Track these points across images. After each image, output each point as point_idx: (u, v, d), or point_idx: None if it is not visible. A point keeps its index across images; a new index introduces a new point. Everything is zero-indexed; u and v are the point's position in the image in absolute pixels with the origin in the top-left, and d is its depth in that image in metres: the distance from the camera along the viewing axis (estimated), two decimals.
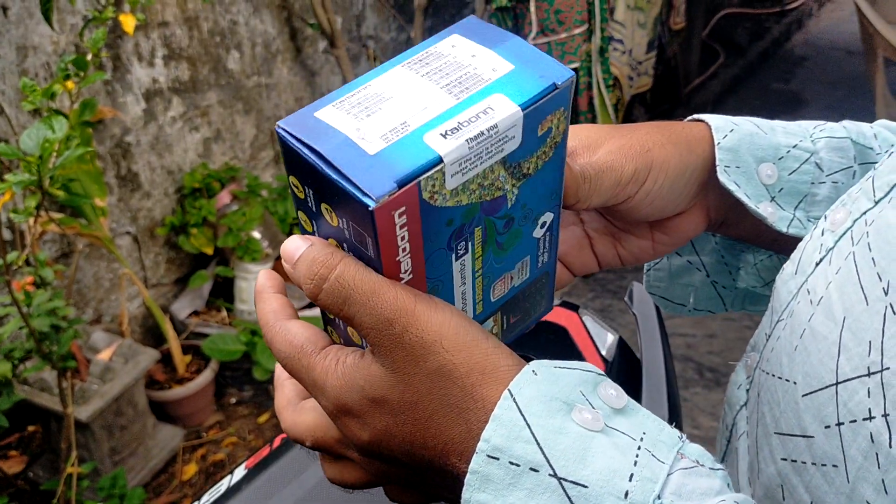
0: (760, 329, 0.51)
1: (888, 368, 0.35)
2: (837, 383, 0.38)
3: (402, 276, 0.39)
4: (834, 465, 0.38)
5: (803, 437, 0.40)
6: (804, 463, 0.40)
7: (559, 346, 0.84)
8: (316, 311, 1.99)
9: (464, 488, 0.36)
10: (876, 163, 0.54)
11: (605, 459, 0.35)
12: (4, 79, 1.87)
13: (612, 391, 0.38)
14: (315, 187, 0.38)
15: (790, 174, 0.54)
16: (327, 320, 0.45)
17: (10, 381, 1.57)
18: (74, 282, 2.11)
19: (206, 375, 2.25)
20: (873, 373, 0.36)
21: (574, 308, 0.89)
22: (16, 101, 1.89)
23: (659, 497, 0.34)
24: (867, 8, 3.10)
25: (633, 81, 3.14)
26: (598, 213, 0.56)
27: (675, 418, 0.76)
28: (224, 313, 2.50)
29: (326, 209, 0.38)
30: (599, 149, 0.50)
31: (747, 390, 0.51)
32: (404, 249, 0.38)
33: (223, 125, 2.52)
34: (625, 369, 0.84)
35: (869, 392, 0.36)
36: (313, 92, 2.83)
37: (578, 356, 0.82)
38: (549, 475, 0.35)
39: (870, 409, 0.36)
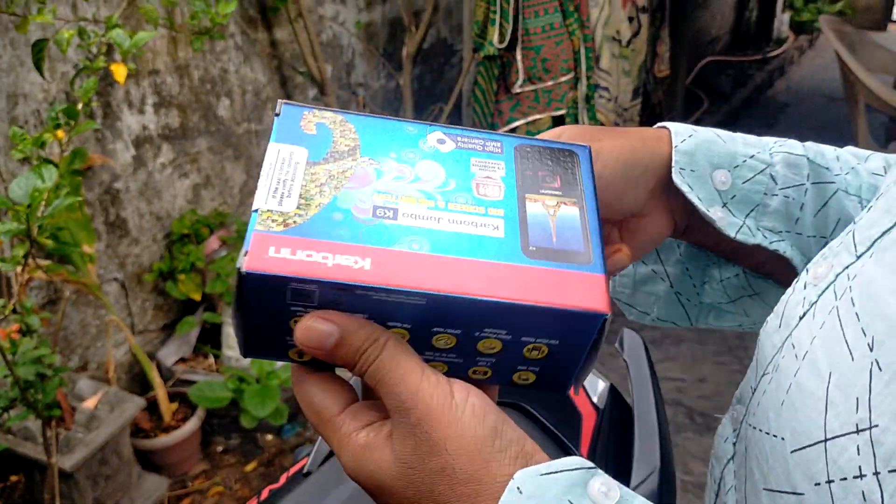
0: (746, 382, 0.51)
1: (877, 426, 0.35)
2: (826, 440, 0.38)
3: None
4: None
5: (793, 493, 0.40)
6: None
7: (551, 394, 0.84)
8: None
9: None
10: (831, 183, 0.56)
11: None
12: None
13: (602, 488, 0.37)
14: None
15: (744, 182, 0.55)
16: None
17: None
18: (61, 329, 2.09)
19: (193, 423, 2.22)
20: (862, 430, 0.36)
21: None
22: (6, 149, 1.89)
23: None
24: (848, 56, 3.17)
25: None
26: None
27: (666, 465, 0.75)
28: (211, 360, 2.48)
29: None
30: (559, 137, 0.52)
31: (734, 444, 0.51)
32: None
33: (213, 171, 2.53)
34: (616, 416, 0.83)
35: (858, 449, 0.36)
36: None
37: (570, 404, 0.82)
38: None
39: (860, 467, 0.36)
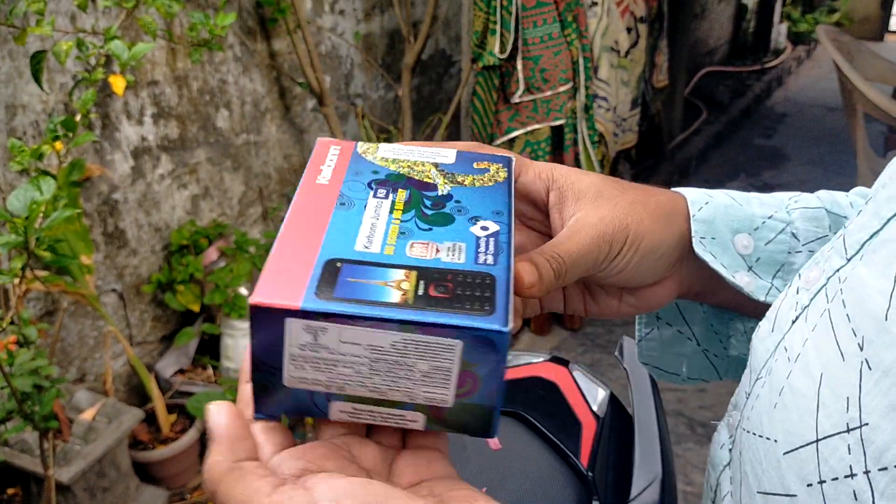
0: (740, 388, 0.51)
1: (867, 424, 0.35)
2: (818, 440, 0.38)
3: (318, 180, 0.48)
4: None
5: (786, 496, 0.40)
6: None
7: (550, 402, 0.83)
8: None
9: None
10: None
11: None
12: None
13: None
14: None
15: (766, 244, 0.55)
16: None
17: None
18: (58, 340, 2.09)
19: (191, 435, 2.21)
20: (852, 429, 0.36)
21: (564, 363, 0.89)
22: (4, 160, 1.89)
23: None
24: (845, 65, 3.17)
25: (618, 138, 3.18)
26: None
27: (667, 474, 0.75)
28: (210, 371, 2.47)
29: None
30: (582, 213, 0.52)
31: (730, 450, 0.51)
32: (329, 166, 0.50)
33: (211, 182, 2.53)
34: (617, 425, 0.83)
35: (849, 448, 0.36)
36: (302, 149, 2.85)
37: (569, 412, 0.81)
38: None
39: (851, 466, 0.36)
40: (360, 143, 0.52)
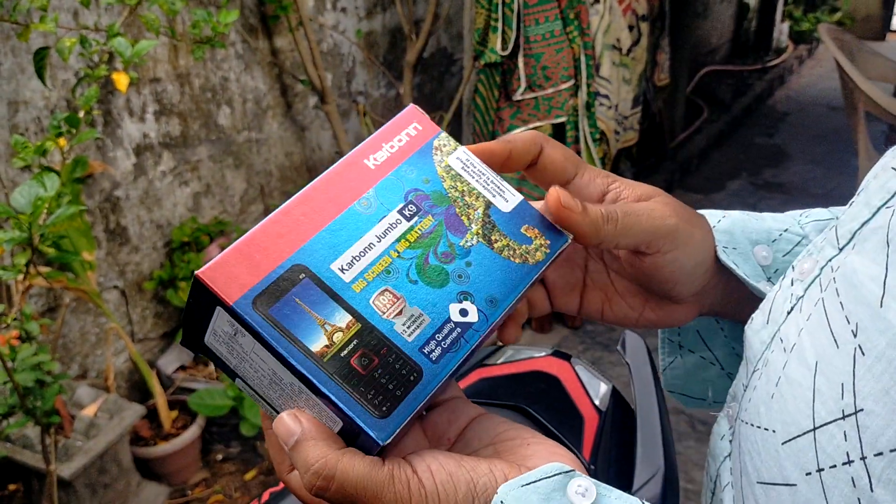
0: (738, 380, 0.51)
1: (862, 409, 0.36)
2: (815, 429, 0.38)
3: (367, 160, 0.46)
4: None
5: (786, 485, 0.40)
6: None
7: (552, 396, 0.83)
8: None
9: None
10: None
11: None
12: None
13: (580, 489, 0.39)
14: None
15: (784, 255, 0.56)
16: None
17: None
18: (60, 336, 2.09)
19: (193, 431, 2.21)
20: (848, 415, 0.36)
21: (566, 357, 0.89)
22: (6, 156, 1.89)
23: None
24: (847, 64, 3.17)
25: (620, 136, 3.18)
26: (605, 264, 0.57)
27: (670, 467, 0.75)
28: (211, 368, 2.48)
29: None
30: (645, 198, 0.52)
31: (730, 441, 0.51)
32: (392, 147, 0.47)
33: (213, 180, 2.53)
34: (619, 419, 0.83)
35: (845, 435, 0.36)
36: (303, 147, 2.85)
37: (571, 406, 0.82)
38: None
39: (848, 453, 0.36)
40: (440, 136, 0.49)
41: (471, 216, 0.46)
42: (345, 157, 0.46)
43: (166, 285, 2.39)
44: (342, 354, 0.40)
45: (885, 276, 0.37)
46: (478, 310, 0.44)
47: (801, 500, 0.39)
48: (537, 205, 0.54)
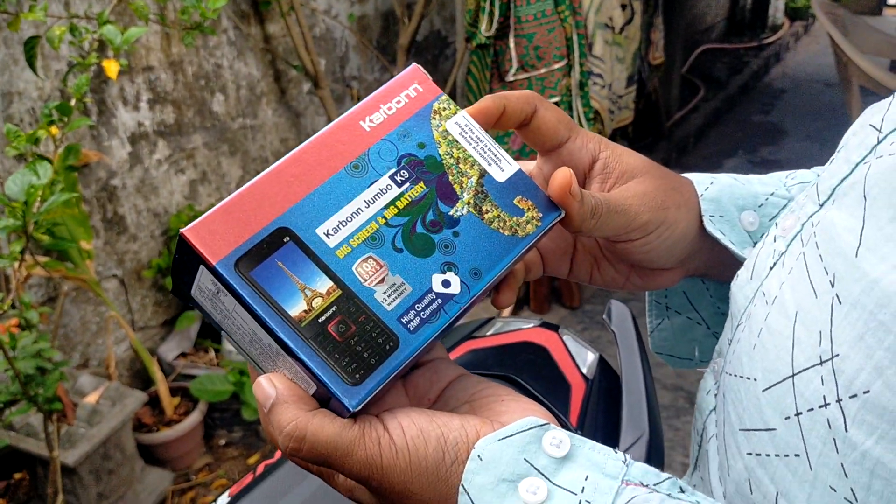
0: (724, 335, 0.52)
1: (837, 355, 0.37)
2: (794, 375, 0.40)
3: (363, 122, 0.46)
4: (796, 455, 0.39)
5: (766, 430, 0.41)
6: (768, 455, 0.41)
7: (540, 365, 0.85)
8: None
9: None
10: None
11: None
12: None
13: (555, 441, 0.41)
14: None
15: (770, 220, 0.56)
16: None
17: None
18: (60, 326, 2.11)
19: (195, 417, 2.23)
20: (825, 361, 0.38)
21: (554, 328, 0.90)
22: (1, 147, 1.90)
23: None
24: (841, 38, 3.17)
25: (615, 115, 3.18)
26: None
27: (654, 431, 0.76)
28: (212, 354, 2.49)
29: None
30: (627, 185, 0.52)
31: (715, 395, 0.52)
32: (389, 109, 0.46)
33: (209, 167, 2.54)
34: (605, 386, 0.84)
35: (822, 380, 0.38)
36: (298, 133, 2.86)
37: (559, 375, 0.83)
38: None
39: (824, 396, 0.37)
40: (441, 98, 0.48)
41: (464, 184, 0.46)
42: (340, 118, 0.46)
43: (165, 273, 2.41)
44: (320, 320, 0.40)
45: (862, 228, 0.38)
46: (461, 281, 0.44)
47: (780, 444, 0.40)
48: (528, 166, 0.55)
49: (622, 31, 3.07)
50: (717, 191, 0.56)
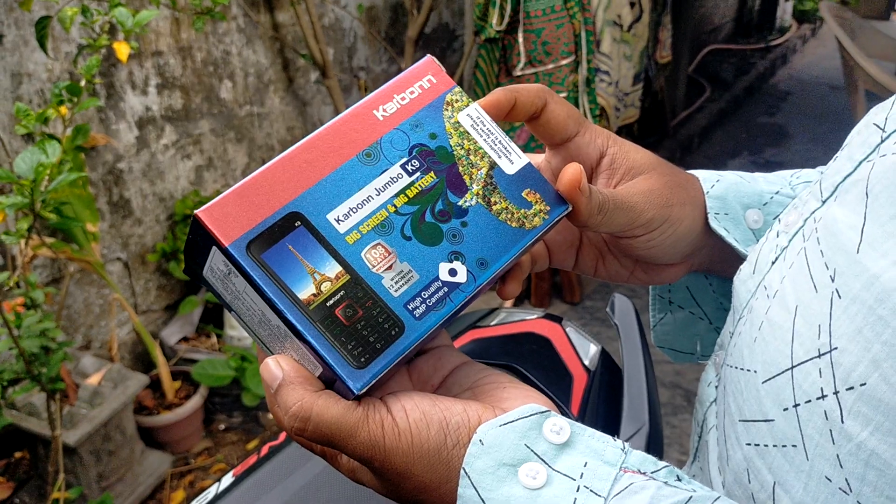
0: (725, 328, 0.53)
1: (836, 348, 0.38)
2: (793, 367, 0.41)
3: (376, 111, 0.46)
4: (793, 445, 0.40)
5: (764, 421, 0.42)
6: (766, 446, 0.42)
7: (543, 356, 0.86)
8: None
9: None
10: None
11: None
12: None
13: (555, 427, 0.42)
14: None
15: (775, 218, 0.57)
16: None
17: None
18: (64, 307, 2.12)
19: (195, 401, 2.24)
20: (823, 353, 0.39)
21: (557, 320, 0.91)
22: (10, 127, 1.91)
23: None
24: (848, 42, 3.17)
25: (620, 113, 3.19)
26: None
27: (654, 423, 0.77)
28: (214, 339, 2.51)
29: None
30: (633, 181, 0.53)
31: (716, 387, 0.53)
32: (403, 100, 0.47)
33: (215, 153, 2.55)
34: (606, 378, 0.85)
35: (820, 372, 0.39)
36: (304, 121, 2.86)
37: (561, 366, 0.84)
38: None
39: (822, 389, 0.38)
40: (454, 90, 0.48)
41: (473, 176, 0.46)
42: (354, 107, 0.46)
43: (169, 258, 2.42)
44: (328, 304, 0.41)
45: (863, 225, 0.39)
46: (467, 271, 0.44)
47: (778, 434, 0.41)
48: (536, 159, 0.56)
49: (630, 29, 3.07)
50: (723, 188, 0.56)
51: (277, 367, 0.43)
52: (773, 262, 0.48)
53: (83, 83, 1.46)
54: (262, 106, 2.68)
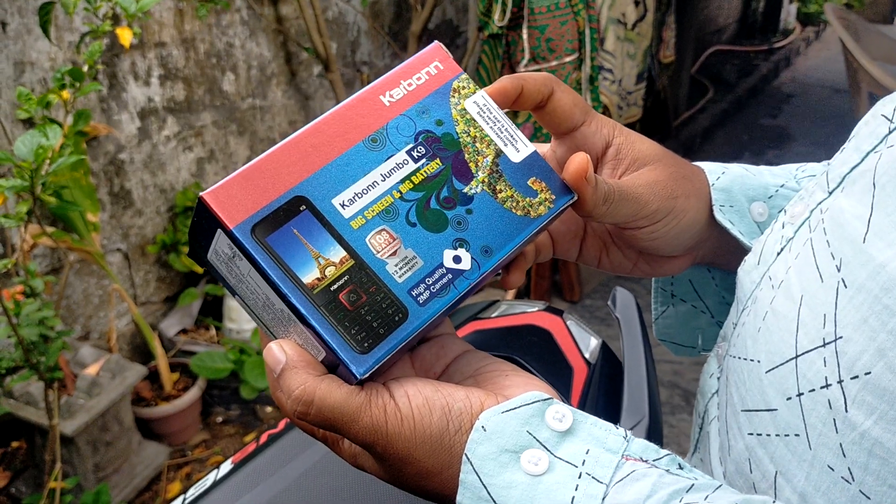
0: (728, 320, 0.53)
1: (841, 337, 0.38)
2: (797, 356, 0.40)
3: (383, 97, 0.46)
4: (796, 435, 0.40)
5: (767, 410, 0.42)
6: (768, 435, 0.42)
7: (543, 348, 0.85)
8: None
9: None
10: None
11: (549, 503, 0.39)
12: (1, 93, 1.89)
13: (557, 415, 0.41)
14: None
15: (780, 211, 0.57)
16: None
17: None
18: (64, 297, 2.12)
19: (193, 393, 2.24)
20: (828, 343, 0.38)
21: (558, 313, 0.91)
22: (12, 115, 1.91)
23: None
24: (852, 44, 3.17)
25: (623, 111, 3.19)
26: None
27: (654, 416, 0.77)
28: (213, 332, 2.50)
29: None
30: (638, 172, 0.52)
31: (718, 378, 0.53)
32: (410, 85, 0.47)
33: (217, 145, 2.55)
34: (607, 371, 0.85)
35: (825, 361, 0.38)
36: (307, 115, 2.86)
37: (562, 358, 0.84)
38: None
39: (826, 378, 0.38)
40: (461, 77, 0.48)
41: (479, 163, 0.46)
42: (361, 92, 0.46)
43: (169, 249, 2.41)
44: (332, 288, 0.41)
45: (870, 215, 0.39)
46: (471, 258, 0.44)
47: (780, 424, 0.41)
48: (542, 148, 0.55)
49: (634, 28, 3.07)
50: (729, 181, 0.56)
51: (281, 352, 0.43)
52: (779, 253, 0.48)
53: (86, 69, 1.46)
54: (265, 99, 2.67)
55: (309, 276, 0.41)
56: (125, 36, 1.56)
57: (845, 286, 0.38)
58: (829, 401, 0.38)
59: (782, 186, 0.58)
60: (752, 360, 0.45)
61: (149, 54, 2.25)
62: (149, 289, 2.45)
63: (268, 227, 0.41)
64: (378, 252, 0.42)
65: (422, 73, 0.47)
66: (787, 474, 0.41)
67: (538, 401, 0.42)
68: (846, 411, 0.37)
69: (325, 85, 2.88)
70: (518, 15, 2.57)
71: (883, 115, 0.44)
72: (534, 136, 2.57)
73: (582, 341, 0.86)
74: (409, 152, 0.45)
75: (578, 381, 0.81)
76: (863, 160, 0.43)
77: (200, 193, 0.41)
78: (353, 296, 0.41)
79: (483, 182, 0.46)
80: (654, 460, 0.41)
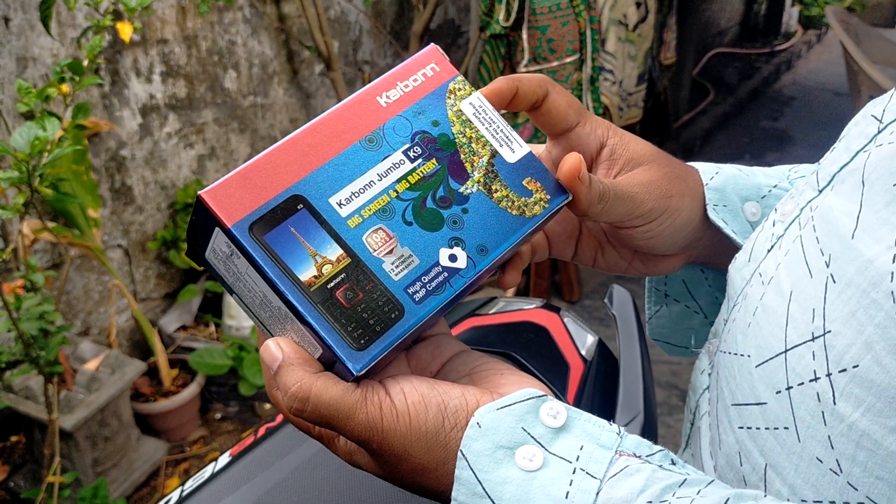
0: (720, 316, 0.54)
1: (829, 331, 0.38)
2: (786, 351, 0.41)
3: (380, 98, 0.47)
4: (785, 428, 0.41)
5: (757, 404, 0.43)
6: (758, 429, 0.43)
7: (540, 345, 0.86)
8: None
9: None
10: None
11: (543, 498, 0.39)
12: (3, 88, 1.90)
13: (551, 412, 0.42)
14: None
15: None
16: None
17: None
18: (64, 293, 2.12)
19: (192, 389, 2.25)
20: (817, 337, 0.39)
21: (556, 310, 0.92)
22: (14, 110, 1.91)
23: None
24: (853, 47, 3.17)
25: (623, 112, 3.19)
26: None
27: (649, 413, 0.78)
28: (212, 328, 2.51)
29: None
30: (633, 172, 0.53)
31: (709, 374, 0.54)
32: (406, 87, 0.47)
33: (218, 143, 2.55)
34: (603, 368, 0.86)
35: (814, 355, 0.39)
36: (308, 114, 2.87)
37: (558, 355, 0.84)
38: None
39: (815, 371, 0.39)
40: (457, 79, 0.49)
41: (475, 163, 0.47)
42: (358, 93, 0.47)
43: (169, 246, 2.42)
44: (329, 286, 0.41)
45: (859, 212, 0.39)
46: (467, 257, 0.45)
47: (770, 417, 0.42)
48: (538, 149, 0.56)
49: (636, 29, 3.08)
50: (722, 181, 0.57)
51: (277, 349, 0.43)
52: (769, 250, 0.48)
53: (86, 63, 1.46)
54: (266, 97, 2.68)
55: (306, 273, 0.41)
56: (125, 31, 1.57)
57: (834, 281, 0.39)
58: (817, 394, 0.39)
59: (775, 187, 0.59)
60: (742, 355, 0.45)
61: (151, 51, 2.25)
62: (149, 285, 2.45)
63: (265, 225, 0.41)
64: (374, 250, 0.43)
65: (418, 75, 0.48)
66: (776, 467, 0.42)
67: (533, 397, 0.42)
68: (834, 404, 0.38)
69: (327, 84, 2.88)
70: (519, 16, 2.57)
71: (873, 116, 0.45)
72: (534, 137, 2.58)
73: (579, 338, 0.87)
74: (405, 152, 0.45)
75: (575, 377, 0.81)
76: (852, 159, 0.44)
77: (198, 192, 0.42)
78: (349, 293, 0.42)
79: (479, 182, 0.46)
80: (647, 456, 0.41)
